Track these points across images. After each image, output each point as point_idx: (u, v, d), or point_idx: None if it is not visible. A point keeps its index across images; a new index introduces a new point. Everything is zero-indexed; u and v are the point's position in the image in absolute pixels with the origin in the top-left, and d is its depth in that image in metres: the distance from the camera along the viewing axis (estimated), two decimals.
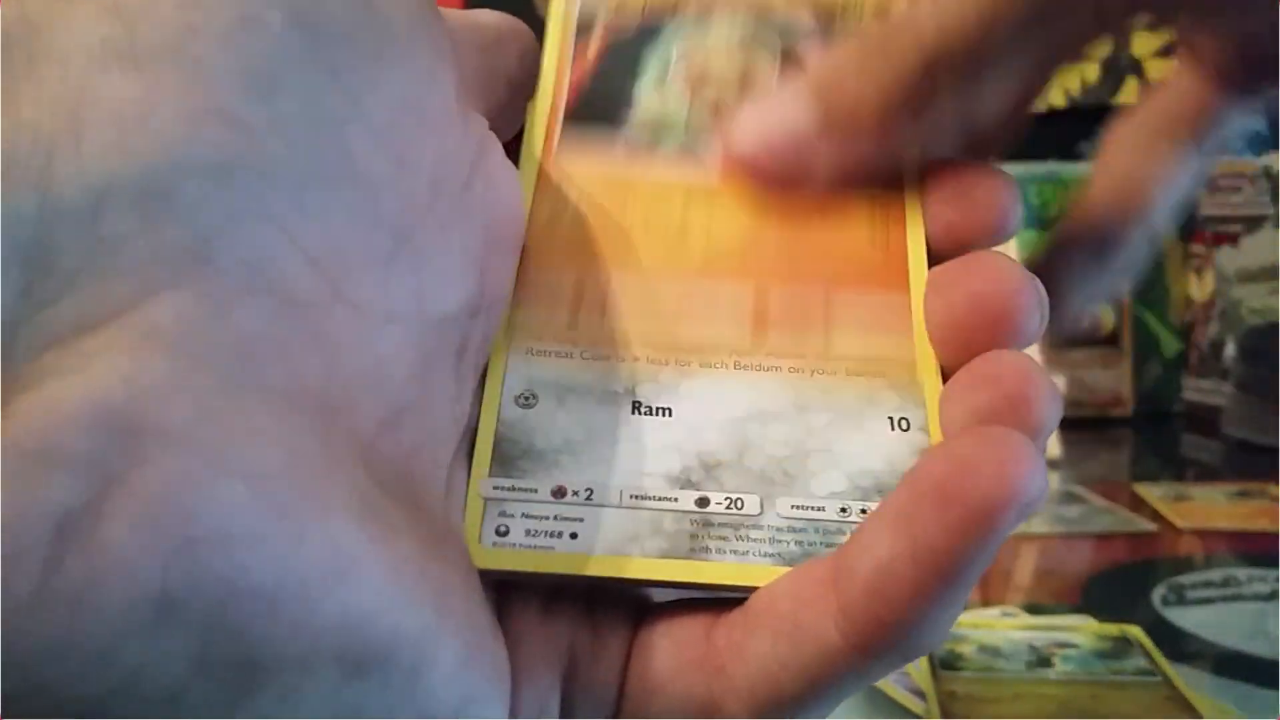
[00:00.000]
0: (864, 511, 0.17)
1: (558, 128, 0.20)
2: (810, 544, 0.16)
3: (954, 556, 0.14)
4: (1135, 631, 0.40)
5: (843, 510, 0.17)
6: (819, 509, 0.17)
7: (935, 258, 0.19)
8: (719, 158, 0.20)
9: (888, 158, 0.20)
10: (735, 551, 0.16)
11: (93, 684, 0.11)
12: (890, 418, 0.17)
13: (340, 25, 0.15)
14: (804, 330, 0.18)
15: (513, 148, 0.20)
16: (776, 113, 0.20)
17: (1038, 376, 0.16)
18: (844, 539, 0.16)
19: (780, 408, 0.18)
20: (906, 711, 0.34)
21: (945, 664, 0.37)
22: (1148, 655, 0.38)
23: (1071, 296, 0.23)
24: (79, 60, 0.13)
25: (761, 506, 0.17)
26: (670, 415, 0.17)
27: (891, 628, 0.14)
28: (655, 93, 0.21)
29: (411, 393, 0.15)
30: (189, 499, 0.11)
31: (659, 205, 0.20)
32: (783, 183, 0.20)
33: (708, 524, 0.16)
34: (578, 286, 0.18)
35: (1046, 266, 0.23)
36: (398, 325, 0.15)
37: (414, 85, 0.16)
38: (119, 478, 0.11)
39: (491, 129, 0.18)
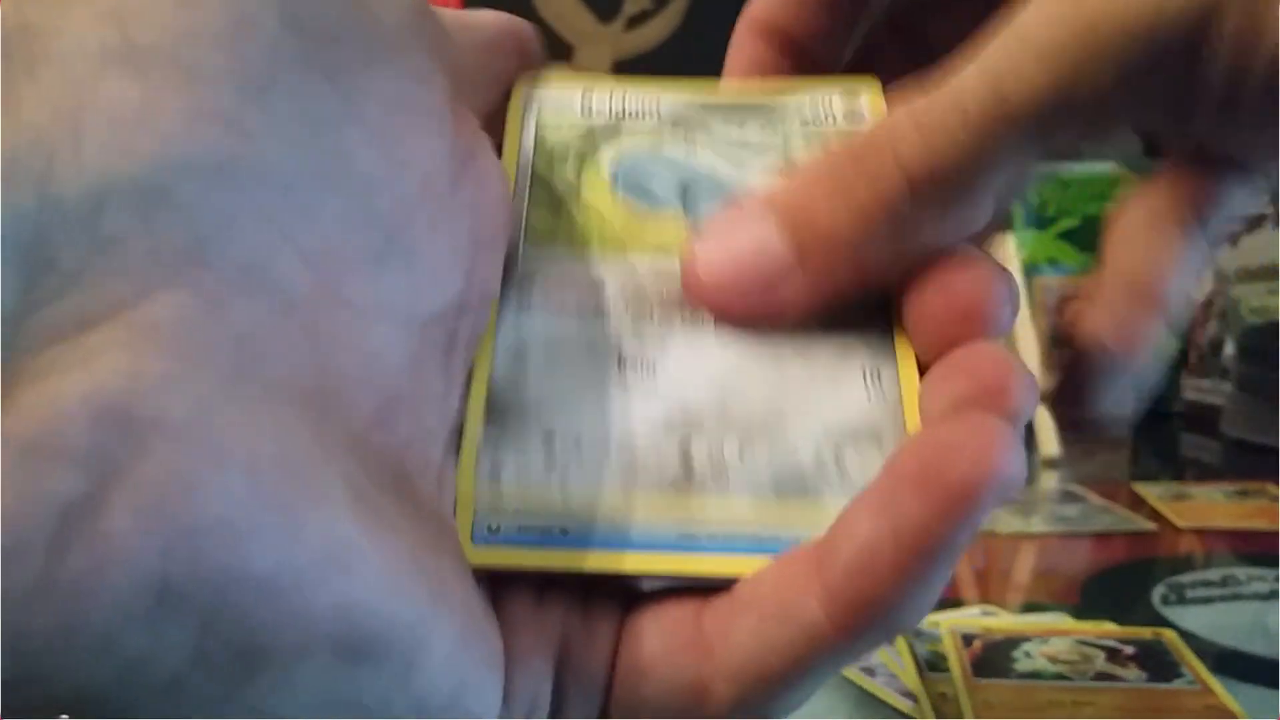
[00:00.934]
0: (838, 461, 0.17)
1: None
2: (798, 534, 0.17)
3: (934, 537, 0.14)
4: (1170, 636, 0.40)
5: (818, 457, 0.17)
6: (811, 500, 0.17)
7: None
8: (681, 281, 0.19)
9: (866, 283, 0.18)
10: (725, 541, 0.16)
11: (94, 672, 0.11)
12: (864, 369, 0.18)
13: (334, 27, 0.15)
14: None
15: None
16: (742, 237, 0.18)
17: (1014, 366, 0.16)
18: (820, 487, 0.17)
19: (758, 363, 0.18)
20: (897, 712, 0.34)
21: (932, 665, 0.37)
22: (1184, 660, 0.38)
23: (1103, 402, 0.22)
24: (78, 63, 0.13)
25: (741, 455, 0.17)
26: (654, 374, 0.18)
27: (874, 607, 0.15)
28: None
29: (402, 389, 0.15)
30: (188, 490, 0.12)
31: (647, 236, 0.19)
32: (753, 314, 0.18)
33: (696, 519, 0.17)
34: None
35: (1073, 378, 0.22)
36: (388, 322, 0.15)
37: (406, 85, 0.16)
38: (120, 470, 0.11)
39: (487, 127, 0.18)
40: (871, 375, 0.18)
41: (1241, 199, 0.22)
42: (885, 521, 0.15)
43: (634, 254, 0.19)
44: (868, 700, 0.35)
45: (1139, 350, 0.22)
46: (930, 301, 0.18)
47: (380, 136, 0.15)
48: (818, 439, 0.17)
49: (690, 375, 0.18)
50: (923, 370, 0.18)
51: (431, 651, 0.14)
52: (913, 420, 0.18)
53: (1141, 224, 0.22)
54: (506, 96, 0.21)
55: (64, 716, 0.12)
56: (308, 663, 0.13)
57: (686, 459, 0.17)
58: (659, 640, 0.16)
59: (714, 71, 0.25)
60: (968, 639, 0.38)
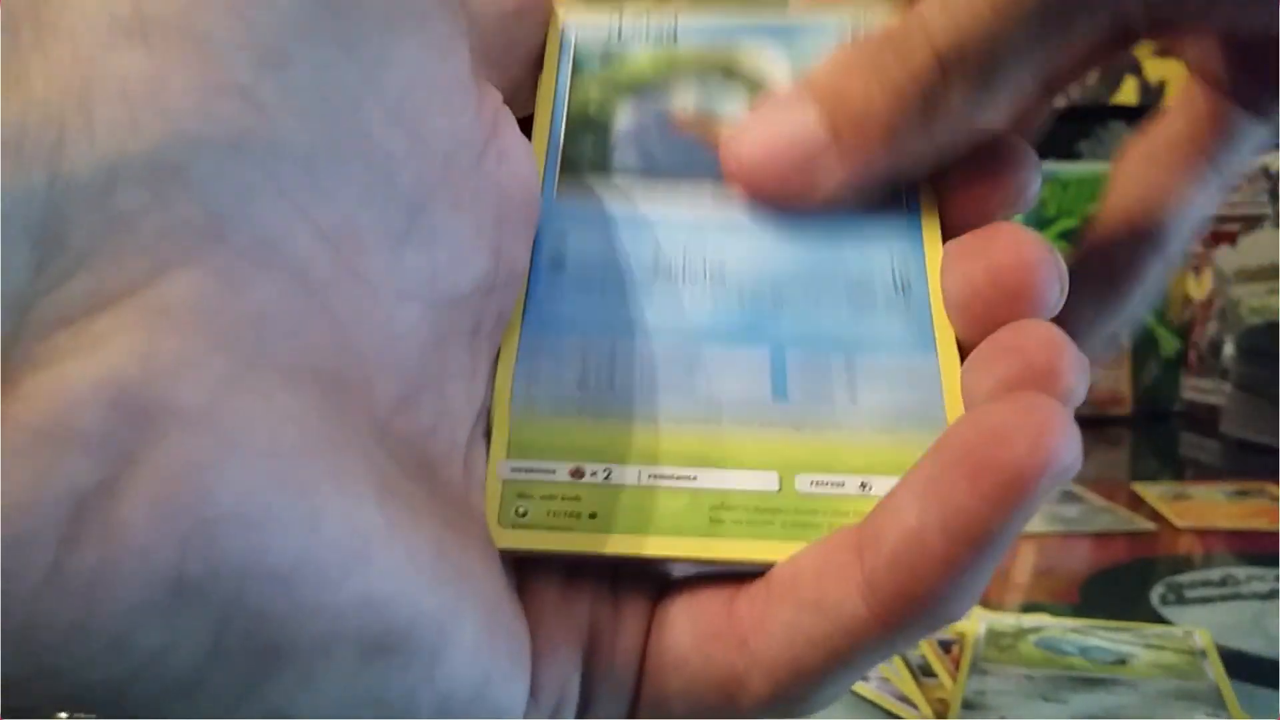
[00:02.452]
0: (884, 487, 0.16)
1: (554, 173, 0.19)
2: (830, 520, 0.16)
3: (986, 526, 0.13)
4: (1176, 631, 0.40)
5: (863, 486, 0.16)
6: (839, 484, 0.16)
7: (951, 231, 0.19)
8: (721, 170, 0.19)
9: (899, 167, 0.18)
10: (754, 525, 0.16)
11: (109, 669, 0.11)
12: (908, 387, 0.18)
13: None
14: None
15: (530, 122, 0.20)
16: (780, 120, 0.18)
17: (1064, 345, 0.16)
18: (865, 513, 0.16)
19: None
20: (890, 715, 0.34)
21: (925, 671, 0.37)
22: (1188, 655, 0.38)
23: (1091, 329, 0.22)
24: (87, 37, 0.12)
25: (780, 483, 0.16)
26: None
27: (918, 599, 0.14)
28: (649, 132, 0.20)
29: (427, 371, 0.15)
30: (204, 479, 0.11)
31: (665, 247, 0.19)
32: (789, 195, 0.18)
33: (725, 503, 0.16)
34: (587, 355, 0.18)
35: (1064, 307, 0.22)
36: (412, 303, 0.15)
37: (428, 58, 0.16)
38: (134, 457, 0.11)
39: (511, 101, 0.18)
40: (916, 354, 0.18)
41: (1256, 139, 0.21)
42: (933, 509, 0.14)
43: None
44: (862, 705, 0.35)
45: (1133, 280, 0.22)
46: (975, 278, 0.17)
47: (401, 111, 0.15)
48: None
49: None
50: (964, 352, 0.18)
51: (457, 644, 0.13)
52: (954, 402, 0.17)
53: (1149, 157, 0.22)
54: (529, 68, 0.20)
55: (62, 715, 0.11)
56: (330, 657, 0.12)
57: (722, 494, 0.17)
58: (690, 630, 0.16)
59: None
60: (945, 645, 0.38)
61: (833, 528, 0.16)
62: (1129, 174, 0.22)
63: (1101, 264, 0.22)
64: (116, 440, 0.11)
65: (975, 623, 0.41)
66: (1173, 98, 0.22)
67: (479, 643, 0.14)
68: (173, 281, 0.12)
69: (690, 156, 0.20)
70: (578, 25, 0.21)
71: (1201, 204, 0.22)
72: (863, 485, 0.16)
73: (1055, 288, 0.17)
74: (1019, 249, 0.17)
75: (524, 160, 0.17)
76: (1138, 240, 0.22)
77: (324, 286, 0.14)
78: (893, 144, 0.18)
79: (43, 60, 0.12)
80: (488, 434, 0.17)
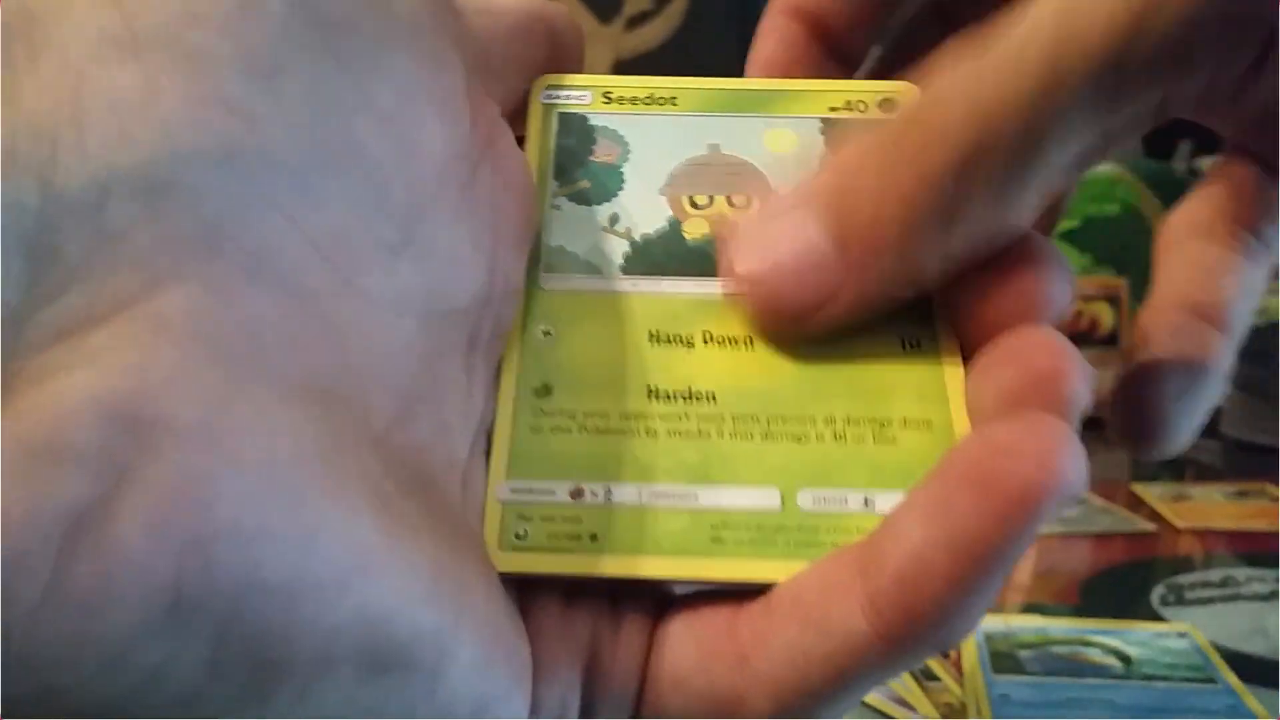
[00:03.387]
0: (887, 503, 0.16)
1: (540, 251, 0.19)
2: (833, 538, 0.16)
3: (991, 545, 0.13)
4: (1179, 629, 0.40)
5: (866, 503, 0.16)
6: (842, 500, 0.16)
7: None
8: (722, 277, 0.18)
9: (914, 281, 0.17)
10: (756, 544, 0.16)
11: (106, 687, 0.11)
12: (913, 399, 0.17)
13: (343, 11, 0.14)
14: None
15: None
16: (781, 232, 0.17)
17: (1068, 352, 0.15)
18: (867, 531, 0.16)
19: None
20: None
21: (927, 675, 0.37)
22: (1191, 653, 0.38)
23: (1170, 426, 0.20)
24: (78, 51, 0.12)
25: (783, 500, 0.16)
26: (689, 401, 0.17)
27: (922, 618, 0.14)
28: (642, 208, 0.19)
29: (424, 386, 0.15)
30: (201, 495, 0.11)
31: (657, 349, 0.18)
32: (793, 317, 0.17)
33: (726, 522, 0.16)
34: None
35: (1136, 405, 0.20)
36: (407, 316, 0.15)
37: (420, 70, 0.15)
38: (129, 473, 0.11)
39: (516, 116, 0.18)
40: (910, 345, 0.17)
41: None
42: (938, 528, 0.14)
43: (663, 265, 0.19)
44: (860, 709, 0.35)
45: (1206, 371, 0.20)
46: (980, 283, 0.17)
47: (393, 123, 0.15)
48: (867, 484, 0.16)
49: (723, 378, 0.17)
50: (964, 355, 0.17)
51: (456, 660, 0.13)
52: (960, 414, 0.17)
53: (1196, 228, 0.21)
54: (531, 83, 0.20)
55: None
56: (329, 674, 0.12)
57: (723, 512, 0.16)
58: (691, 648, 0.15)
59: (713, 72, 0.24)
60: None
61: (835, 545, 0.16)
62: (1178, 250, 0.21)
63: (1176, 353, 0.20)
64: (112, 456, 0.11)
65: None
66: (1210, 170, 0.21)
67: (478, 660, 0.14)
68: (167, 295, 0.12)
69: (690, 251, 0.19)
70: (560, 93, 0.21)
71: (1255, 280, 0.20)
72: (866, 501, 0.16)
73: (1063, 292, 0.16)
74: (1022, 253, 0.17)
75: (519, 172, 0.17)
76: (1205, 324, 0.20)
77: (318, 299, 0.13)
78: (905, 257, 0.16)
79: (34, 76, 0.12)
80: (487, 452, 0.17)
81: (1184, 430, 0.20)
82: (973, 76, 0.16)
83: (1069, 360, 0.15)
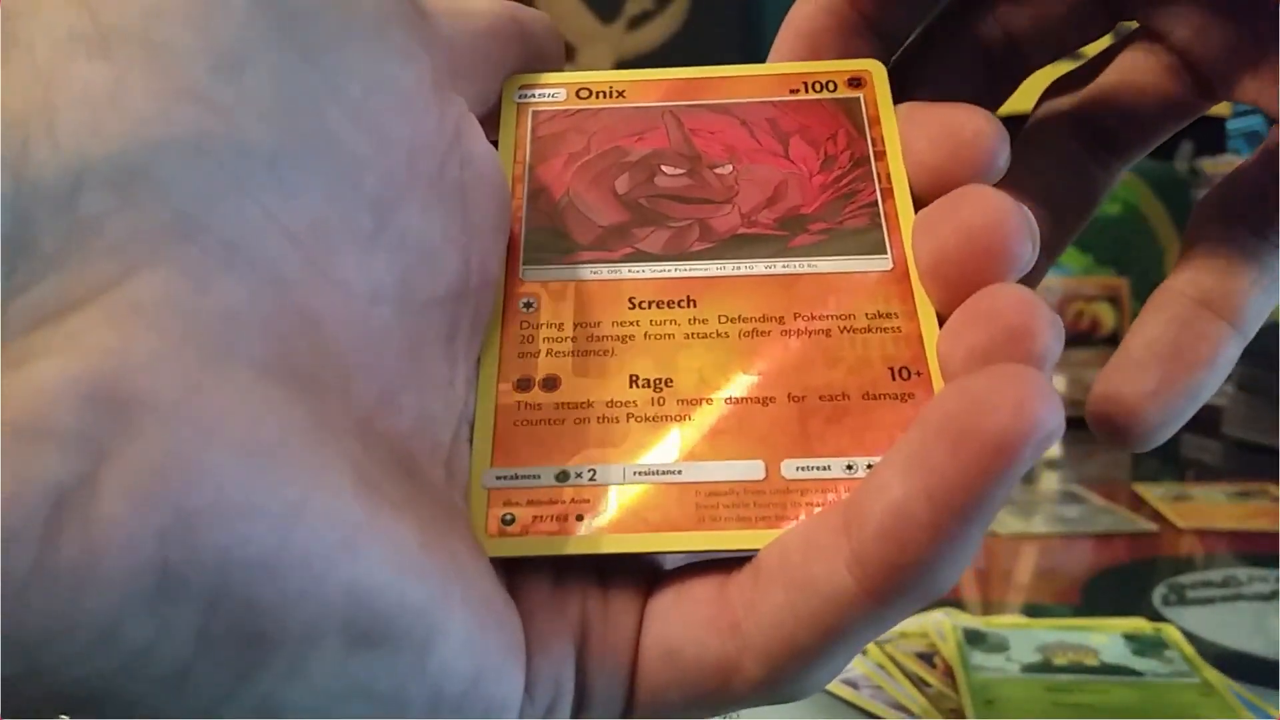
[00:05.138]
0: (869, 468, 0.16)
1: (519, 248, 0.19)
2: (818, 503, 0.16)
3: (971, 494, 0.14)
4: (1171, 631, 0.40)
5: (849, 468, 0.17)
6: (825, 468, 0.17)
7: (922, 201, 0.18)
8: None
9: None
10: (742, 513, 0.16)
11: (96, 664, 0.11)
12: (891, 369, 0.17)
13: (307, 5, 0.15)
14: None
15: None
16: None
17: (1038, 307, 0.16)
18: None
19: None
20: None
21: (922, 683, 0.37)
22: (1183, 655, 0.38)
23: (1152, 417, 0.20)
24: (47, 48, 0.13)
25: (766, 471, 0.17)
26: (670, 385, 0.17)
27: (907, 570, 0.14)
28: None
29: (404, 373, 0.15)
30: (183, 471, 0.11)
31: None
32: None
33: (713, 493, 0.16)
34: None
35: (1114, 394, 0.20)
36: (384, 304, 0.15)
37: (387, 64, 0.16)
38: (111, 452, 0.11)
39: (489, 114, 0.18)
40: (899, 373, 0.17)
41: None
42: (917, 480, 0.14)
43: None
44: (854, 712, 0.35)
45: (1199, 366, 0.20)
46: (945, 241, 0.17)
47: (362, 114, 0.15)
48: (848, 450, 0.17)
49: (701, 371, 0.18)
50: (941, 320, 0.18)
51: (447, 635, 0.13)
52: (935, 372, 0.17)
53: (1224, 214, 0.21)
54: (502, 82, 0.21)
55: (63, 718, 0.11)
56: (318, 648, 0.12)
57: (709, 486, 0.17)
58: (682, 619, 0.16)
59: None
60: (926, 657, 0.38)
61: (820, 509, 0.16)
62: (1205, 230, 0.21)
63: (1173, 343, 0.20)
64: (94, 435, 0.11)
65: (952, 631, 0.41)
66: (1255, 151, 0.21)
67: (470, 635, 0.14)
68: (141, 281, 0.12)
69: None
70: (534, 92, 0.21)
71: (1271, 278, 0.20)
72: (849, 467, 0.17)
73: (1027, 244, 0.17)
74: (986, 208, 0.17)
75: (489, 167, 0.17)
76: (1214, 316, 0.20)
77: (294, 286, 0.14)
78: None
79: (4, 72, 0.12)
80: (470, 441, 0.17)
81: (1161, 426, 0.20)
82: None
83: (1037, 313, 0.15)
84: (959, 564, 0.14)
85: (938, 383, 0.17)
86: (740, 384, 0.17)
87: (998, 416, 0.13)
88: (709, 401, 0.17)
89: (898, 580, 0.14)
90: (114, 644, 0.11)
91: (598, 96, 0.21)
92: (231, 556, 0.12)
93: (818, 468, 0.17)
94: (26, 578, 0.11)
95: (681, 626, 0.16)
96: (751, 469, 0.17)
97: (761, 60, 0.22)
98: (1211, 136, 0.91)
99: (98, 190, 0.12)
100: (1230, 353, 0.20)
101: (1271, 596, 0.45)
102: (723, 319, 0.18)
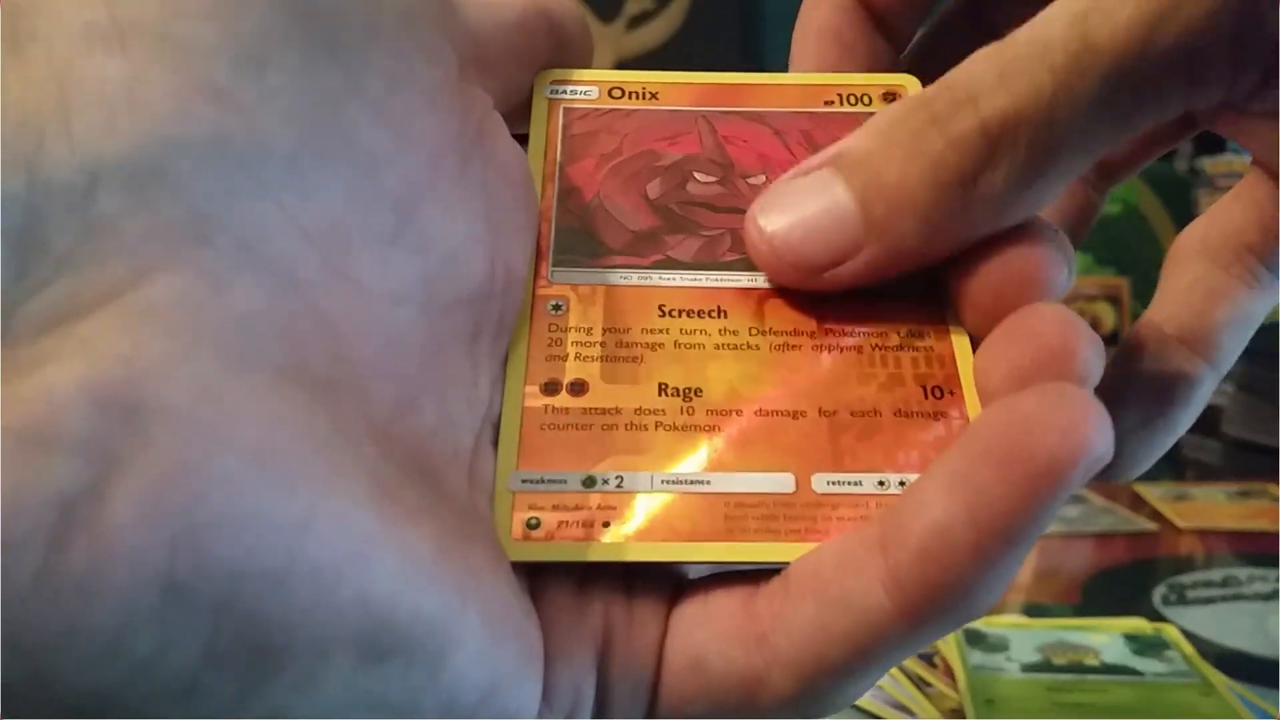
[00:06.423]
0: (902, 484, 0.16)
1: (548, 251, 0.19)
2: (849, 518, 0.16)
3: (1016, 518, 0.13)
4: (1171, 631, 0.40)
5: (881, 484, 0.16)
6: (856, 483, 0.16)
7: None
8: (744, 244, 0.18)
9: (932, 249, 0.17)
10: (771, 525, 0.16)
11: (102, 674, 0.11)
12: (924, 387, 0.17)
13: (331, 1, 0.14)
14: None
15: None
16: (808, 194, 0.17)
17: (1079, 326, 0.15)
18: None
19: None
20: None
21: (923, 683, 0.37)
22: (1183, 655, 0.38)
23: (1127, 451, 0.20)
24: (64, 43, 0.12)
25: (797, 485, 0.16)
26: (700, 395, 0.17)
27: (945, 592, 0.14)
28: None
29: (425, 376, 0.15)
30: (192, 480, 0.11)
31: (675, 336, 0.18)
32: (814, 275, 0.17)
33: (742, 504, 0.16)
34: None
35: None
36: (405, 306, 0.15)
37: (411, 62, 0.15)
38: (121, 460, 0.11)
39: (518, 109, 0.17)
40: (932, 392, 0.17)
41: None
42: (960, 500, 0.13)
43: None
44: (854, 711, 0.35)
45: (1185, 404, 0.20)
46: (980, 266, 0.17)
47: (385, 113, 0.15)
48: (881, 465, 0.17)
49: (729, 375, 0.17)
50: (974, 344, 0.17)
51: (461, 646, 0.13)
52: (972, 397, 0.17)
53: (1206, 251, 0.20)
54: (531, 76, 0.20)
55: None
56: (328, 660, 0.12)
57: (738, 497, 0.16)
58: (708, 630, 0.15)
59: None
60: (926, 657, 0.38)
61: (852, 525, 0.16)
62: (1182, 269, 0.21)
63: (1151, 378, 0.20)
64: (103, 442, 0.11)
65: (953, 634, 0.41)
66: (1235, 186, 0.21)
67: (485, 645, 0.13)
68: (156, 283, 0.12)
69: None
70: (565, 88, 0.21)
71: (1253, 311, 0.20)
72: (880, 483, 0.16)
73: (1063, 270, 0.16)
74: (1021, 235, 0.17)
75: (515, 166, 0.17)
76: (1190, 353, 0.20)
77: (312, 288, 0.13)
78: (928, 226, 0.16)
79: (19, 68, 0.12)
80: (495, 444, 0.16)
81: (1137, 460, 0.20)
82: (1001, 56, 0.16)
83: (1079, 333, 0.15)
84: (998, 588, 0.14)
85: (971, 402, 0.17)
86: (771, 397, 0.17)
87: (1047, 438, 0.13)
88: (739, 413, 0.17)
89: (935, 602, 0.14)
90: (120, 654, 0.11)
91: (630, 97, 0.21)
92: (240, 568, 0.11)
93: (849, 483, 0.16)
94: (32, 585, 0.10)
95: (708, 637, 0.15)
96: (782, 481, 0.16)
97: (761, 60, 0.22)
98: (1212, 136, 0.91)
99: (113, 190, 0.12)
100: (1205, 390, 0.20)
101: (1271, 596, 0.45)
102: (753, 331, 0.18)
